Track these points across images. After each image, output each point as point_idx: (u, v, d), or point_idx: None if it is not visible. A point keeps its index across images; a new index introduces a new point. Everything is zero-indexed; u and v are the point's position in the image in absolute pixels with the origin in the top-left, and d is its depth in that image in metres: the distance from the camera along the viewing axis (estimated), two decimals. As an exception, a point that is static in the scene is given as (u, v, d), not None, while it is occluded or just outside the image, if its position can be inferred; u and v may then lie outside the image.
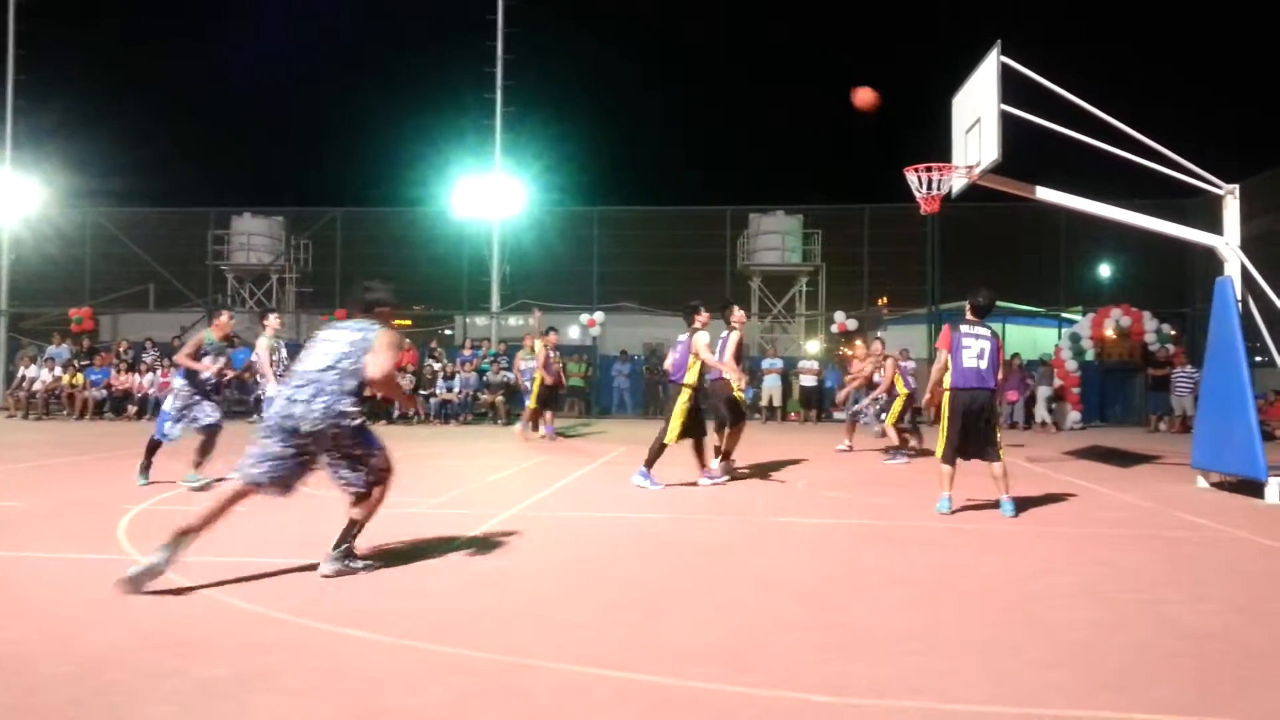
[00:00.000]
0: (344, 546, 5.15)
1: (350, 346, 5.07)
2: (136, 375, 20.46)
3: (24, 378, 20.42)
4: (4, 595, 4.66)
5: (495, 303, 24.34)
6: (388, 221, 25.95)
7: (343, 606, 4.44)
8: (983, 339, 7.45)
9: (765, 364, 21.77)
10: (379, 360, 5.00)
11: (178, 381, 8.72)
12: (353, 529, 5.20)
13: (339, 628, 4.07)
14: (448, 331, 27.80)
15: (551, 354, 15.02)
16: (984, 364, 7.35)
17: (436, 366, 20.42)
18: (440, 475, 10.08)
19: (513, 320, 25.89)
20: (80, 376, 20.15)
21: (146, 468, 8.77)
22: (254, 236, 28.58)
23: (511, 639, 3.94)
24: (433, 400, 19.68)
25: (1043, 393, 20.32)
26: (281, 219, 28.27)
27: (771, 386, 21.45)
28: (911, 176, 9.90)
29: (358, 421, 5.04)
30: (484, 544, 6.08)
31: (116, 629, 4.04)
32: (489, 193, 23.85)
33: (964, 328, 7.49)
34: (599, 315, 23.56)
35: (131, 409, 19.88)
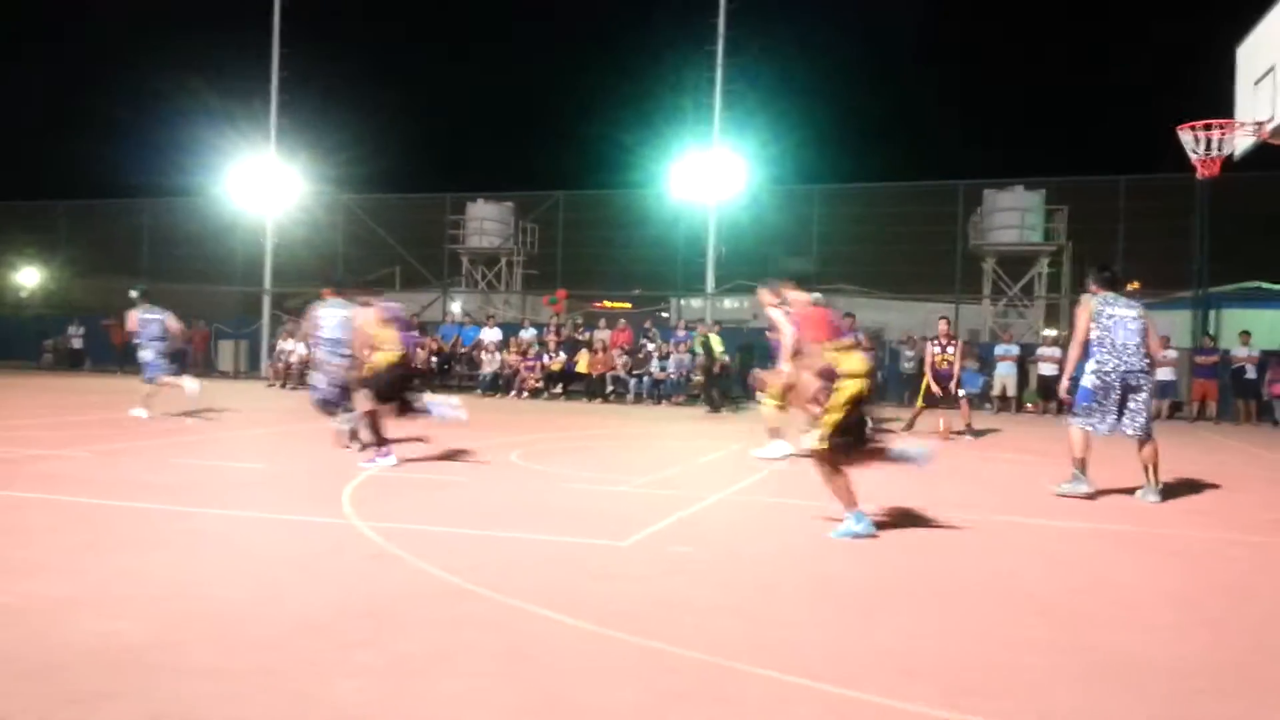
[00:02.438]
0: (1158, 485, 7.24)
1: (1137, 321, 7.13)
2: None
3: (283, 351, 22.36)
4: (227, 553, 4.87)
5: (710, 284, 24.13)
6: (607, 204, 26.35)
7: (538, 584, 4.27)
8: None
9: (999, 350, 20.25)
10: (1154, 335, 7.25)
11: None
12: (1153, 471, 7.24)
13: (533, 606, 3.89)
14: (664, 314, 27.94)
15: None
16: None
17: (651, 347, 20.49)
18: (650, 455, 9.94)
19: (728, 302, 25.64)
20: (331, 351, 21.82)
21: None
22: (486, 221, 30.01)
23: (711, 635, 3.61)
24: (646, 380, 19.77)
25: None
26: (511, 204, 29.46)
27: (1006, 375, 19.92)
28: (1187, 136, 8.67)
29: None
30: (686, 528, 5.80)
31: (320, 596, 4.07)
32: (707, 173, 23.61)
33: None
34: (817, 296, 22.78)
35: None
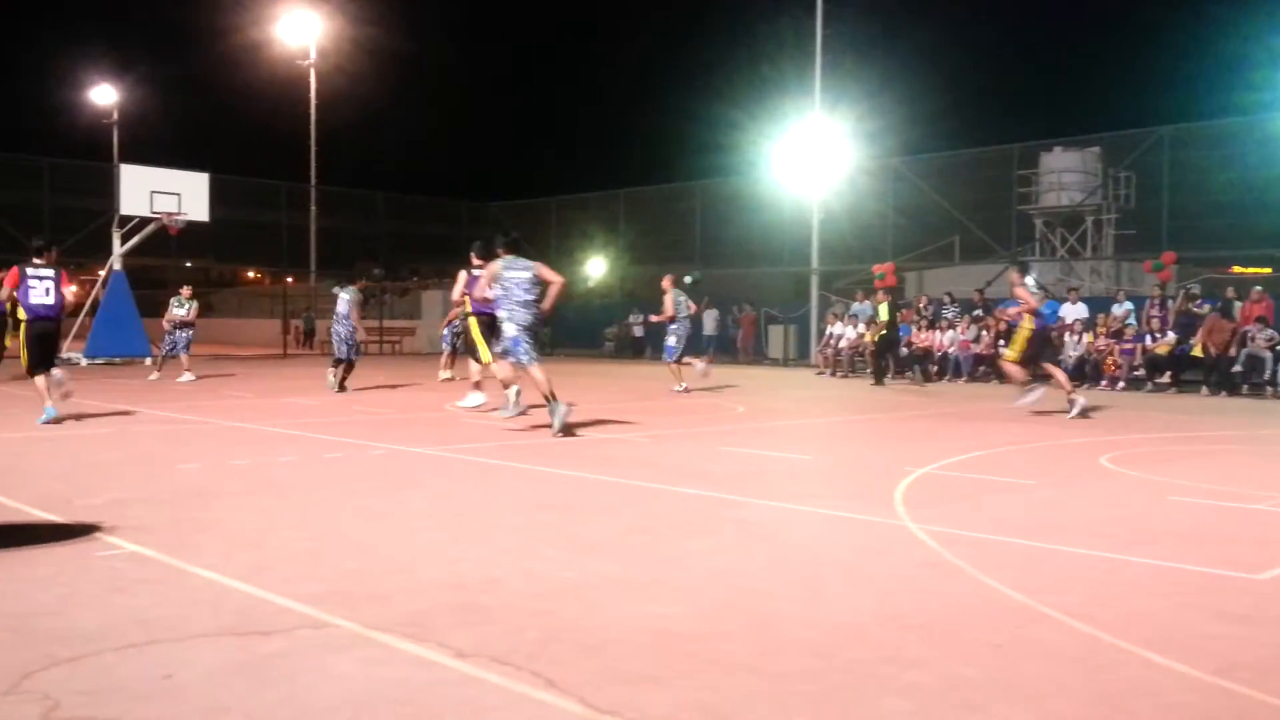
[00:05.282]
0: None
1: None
2: (936, 332, 21.77)
3: (831, 335, 23.33)
4: (772, 546, 5.18)
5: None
6: (1228, 136, 23.02)
7: (1136, 615, 3.86)
8: None
9: None
10: None
11: None
12: None
13: (1128, 642, 3.51)
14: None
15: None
16: None
17: None
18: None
19: None
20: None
21: None
22: (1064, 174, 28.30)
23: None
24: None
25: None
26: (1097, 149, 27.38)
27: None
28: None
29: None
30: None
31: (867, 600, 4.12)
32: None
33: None
34: None
35: (931, 368, 21.22)
